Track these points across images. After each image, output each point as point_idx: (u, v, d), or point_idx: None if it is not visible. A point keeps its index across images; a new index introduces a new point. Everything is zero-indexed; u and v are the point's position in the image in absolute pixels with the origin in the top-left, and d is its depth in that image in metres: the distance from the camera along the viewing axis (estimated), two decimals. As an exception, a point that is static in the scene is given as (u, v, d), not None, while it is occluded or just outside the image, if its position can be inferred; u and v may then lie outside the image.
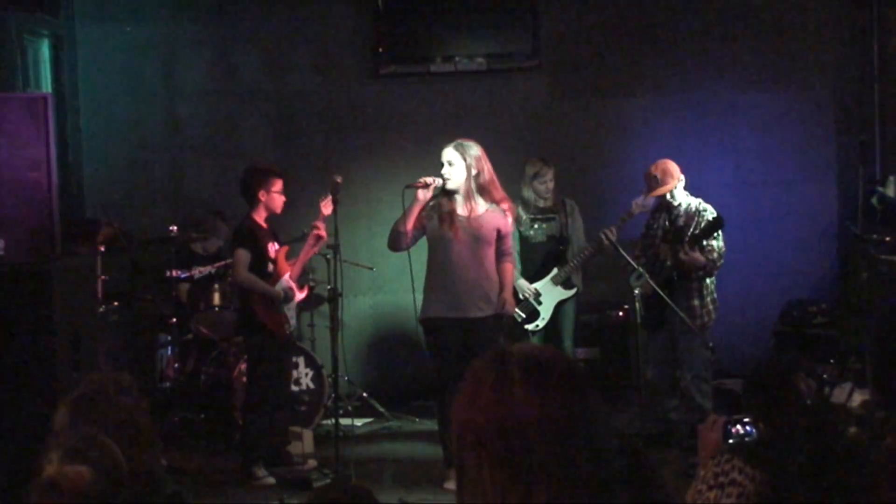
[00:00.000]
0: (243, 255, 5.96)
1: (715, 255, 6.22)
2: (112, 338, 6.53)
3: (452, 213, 5.65)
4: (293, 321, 6.23)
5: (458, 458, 1.52)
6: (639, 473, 1.89)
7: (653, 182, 6.33)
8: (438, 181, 5.65)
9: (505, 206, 5.81)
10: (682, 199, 6.36)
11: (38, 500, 2.23)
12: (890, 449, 1.86)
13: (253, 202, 6.05)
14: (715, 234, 6.20)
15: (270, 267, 6.09)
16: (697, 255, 6.17)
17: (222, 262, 7.11)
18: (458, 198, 5.69)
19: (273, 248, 6.13)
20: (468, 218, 5.68)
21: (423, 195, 5.65)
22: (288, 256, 6.28)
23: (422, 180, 5.64)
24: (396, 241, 5.76)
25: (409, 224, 5.65)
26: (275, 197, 6.04)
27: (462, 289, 5.65)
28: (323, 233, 6.06)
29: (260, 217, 6.06)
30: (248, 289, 5.98)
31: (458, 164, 5.65)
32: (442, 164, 5.67)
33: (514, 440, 1.45)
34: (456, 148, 5.67)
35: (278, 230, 6.41)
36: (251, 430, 6.05)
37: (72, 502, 2.23)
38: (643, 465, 1.93)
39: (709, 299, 6.32)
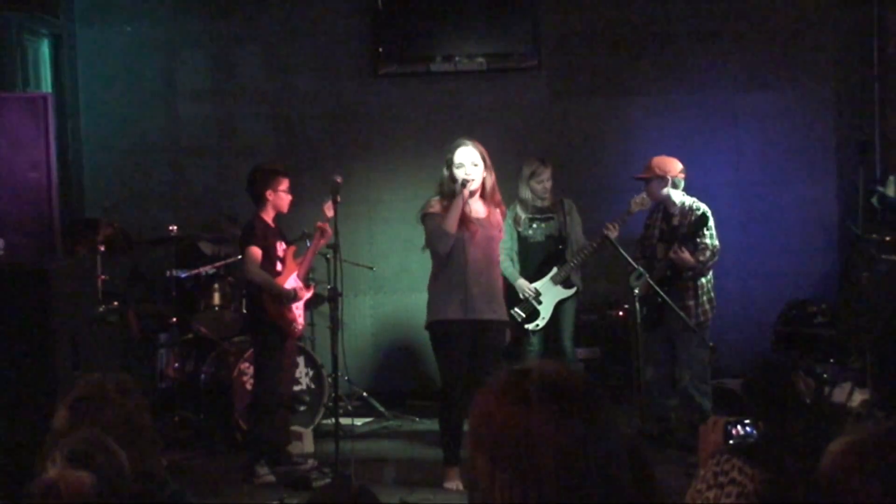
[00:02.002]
0: (255, 253, 5.98)
1: (707, 253, 6.22)
2: (112, 337, 6.52)
3: (467, 214, 5.59)
4: (301, 319, 6.26)
5: (472, 461, 1.56)
6: (645, 489, 1.91)
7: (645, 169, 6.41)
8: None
9: (502, 208, 5.81)
10: (677, 198, 6.38)
11: (36, 502, 2.23)
12: (837, 452, 1.85)
13: (260, 202, 6.07)
14: (704, 232, 6.22)
15: (279, 266, 6.12)
16: (686, 255, 6.19)
17: (222, 262, 7.11)
18: (473, 199, 5.63)
19: (281, 247, 6.17)
20: (482, 220, 5.63)
21: (468, 193, 5.54)
22: (294, 256, 6.31)
23: (466, 178, 5.54)
24: (446, 244, 5.54)
25: (457, 224, 5.53)
26: (282, 196, 6.08)
27: (477, 291, 5.57)
28: (328, 228, 6.06)
29: (268, 216, 6.09)
30: (260, 286, 6.00)
31: (480, 165, 5.59)
32: (457, 165, 5.56)
33: (528, 455, 1.49)
34: (475, 147, 5.60)
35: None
36: (258, 428, 6.06)
37: None
38: (650, 481, 1.95)
39: (704, 298, 6.33)
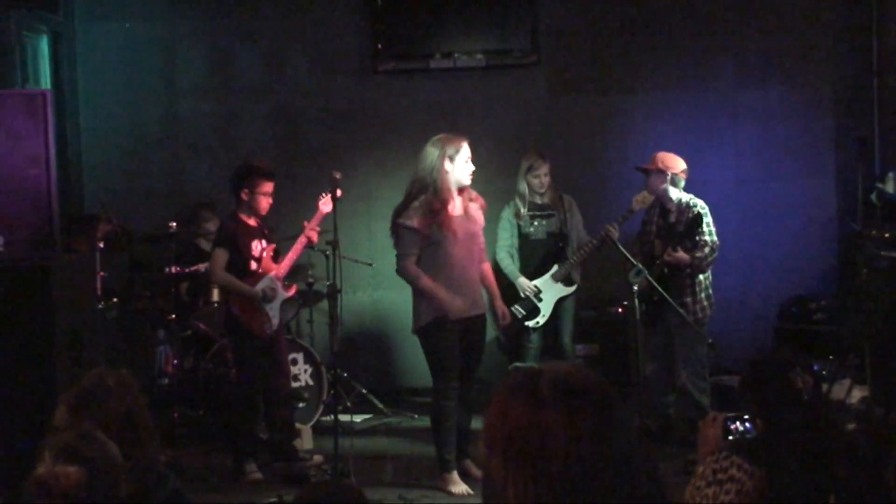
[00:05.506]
0: (220, 255, 5.94)
1: (706, 250, 6.23)
2: (111, 334, 6.52)
3: (449, 213, 5.55)
4: (275, 320, 6.06)
5: (486, 462, 1.58)
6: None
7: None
8: None
9: (481, 202, 5.79)
10: (674, 195, 6.39)
11: (30, 499, 2.23)
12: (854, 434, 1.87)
13: (237, 200, 6.03)
14: (703, 229, 6.23)
15: (254, 265, 6.02)
16: (681, 254, 6.20)
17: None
18: (455, 196, 5.62)
19: (259, 245, 6.06)
20: (461, 217, 5.60)
21: None
22: (278, 254, 6.23)
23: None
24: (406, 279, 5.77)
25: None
26: (259, 198, 5.95)
27: (465, 288, 5.58)
28: (314, 236, 6.04)
29: (245, 215, 6.03)
30: (225, 288, 5.98)
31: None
32: (466, 160, 5.58)
33: (540, 454, 1.51)
34: (468, 144, 5.63)
35: (274, 228, 6.40)
36: (237, 429, 6.06)
37: (63, 502, 2.22)
38: (654, 477, 1.96)
39: (702, 295, 6.33)
